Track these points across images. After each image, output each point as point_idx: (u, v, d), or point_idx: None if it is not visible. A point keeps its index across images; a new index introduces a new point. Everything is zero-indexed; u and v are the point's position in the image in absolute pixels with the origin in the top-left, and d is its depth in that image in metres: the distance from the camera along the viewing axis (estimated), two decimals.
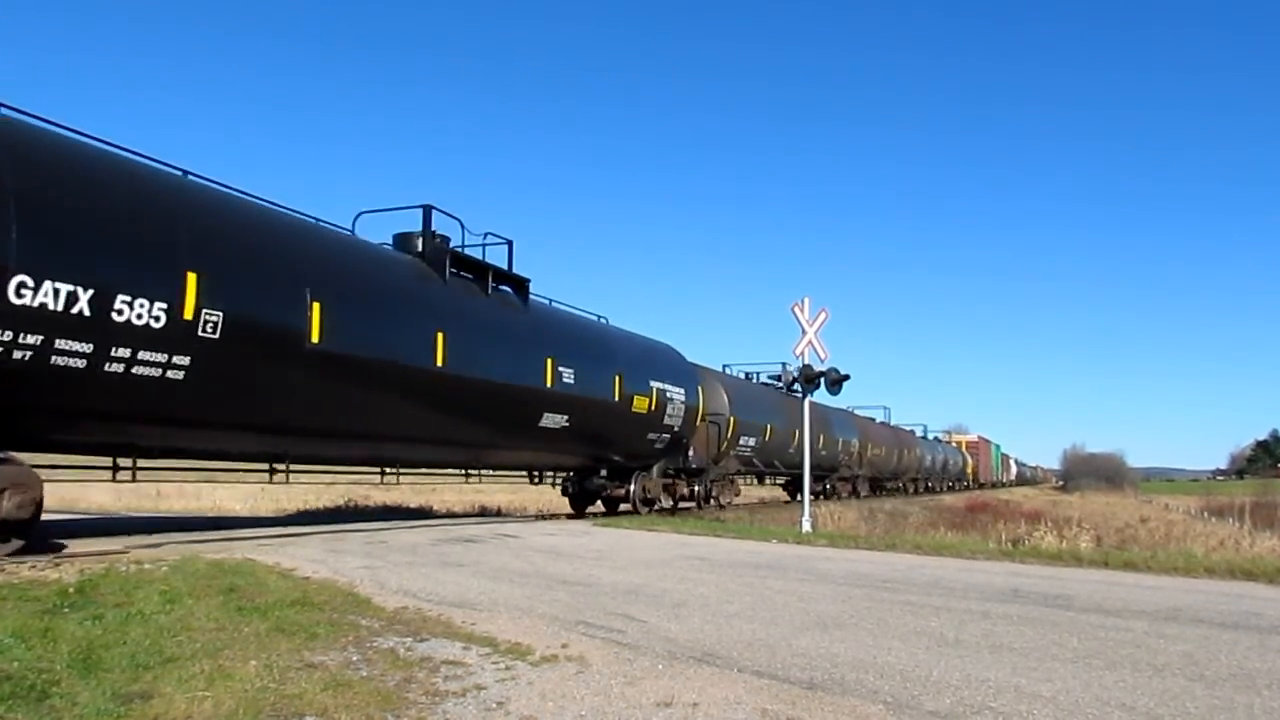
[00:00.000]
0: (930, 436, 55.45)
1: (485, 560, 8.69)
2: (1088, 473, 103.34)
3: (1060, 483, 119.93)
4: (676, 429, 18.11)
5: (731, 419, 21.40)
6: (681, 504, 19.52)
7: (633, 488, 17.46)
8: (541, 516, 18.11)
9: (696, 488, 19.96)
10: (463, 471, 14.92)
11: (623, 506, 17.97)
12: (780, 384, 27.69)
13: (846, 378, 16.62)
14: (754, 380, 27.47)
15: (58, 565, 7.14)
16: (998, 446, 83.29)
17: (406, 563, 8.23)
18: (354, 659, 4.61)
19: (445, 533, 11.67)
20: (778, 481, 30.08)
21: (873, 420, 40.15)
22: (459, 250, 13.17)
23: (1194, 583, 8.73)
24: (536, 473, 17.21)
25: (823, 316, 15.86)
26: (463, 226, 13.52)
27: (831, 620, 6.08)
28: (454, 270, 12.73)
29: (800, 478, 26.95)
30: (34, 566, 7.04)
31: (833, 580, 8.11)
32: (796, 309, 15.87)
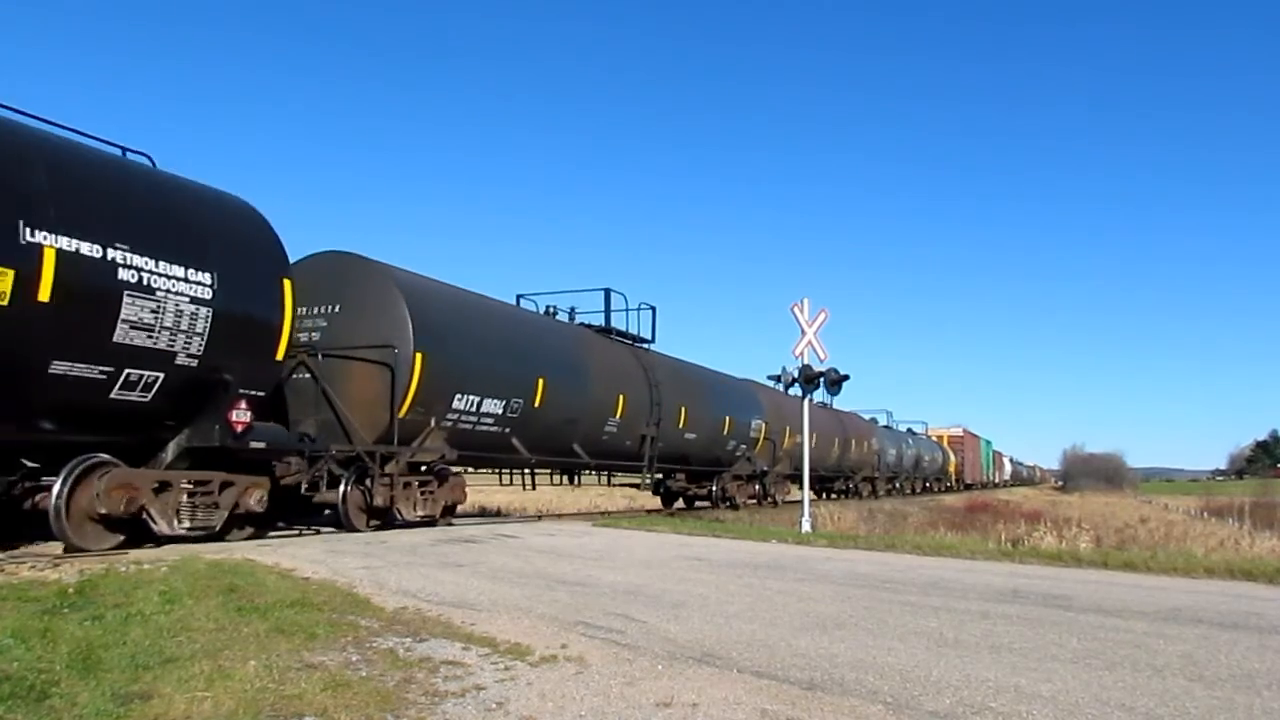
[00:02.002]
0: (901, 427, 47.03)
1: (485, 560, 8.69)
2: (1087, 473, 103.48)
3: (1060, 483, 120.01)
4: (186, 358, 8.70)
5: (417, 358, 11.67)
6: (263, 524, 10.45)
7: (58, 489, 8.02)
8: None
9: (346, 487, 11.15)
10: None
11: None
12: (630, 341, 18.68)
13: (846, 378, 16.64)
14: (552, 313, 16.85)
15: (57, 565, 7.15)
16: (988, 443, 75.45)
17: (406, 563, 8.23)
18: (353, 659, 4.61)
19: (444, 533, 11.66)
20: (620, 480, 19.92)
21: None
22: None
23: (1193, 583, 8.72)
24: None
25: (822, 317, 15.86)
26: None
27: (831, 620, 6.08)
28: None
29: (644, 468, 18.19)
30: (34, 567, 7.04)
31: (832, 580, 8.11)
32: (796, 309, 15.87)
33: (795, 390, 16.59)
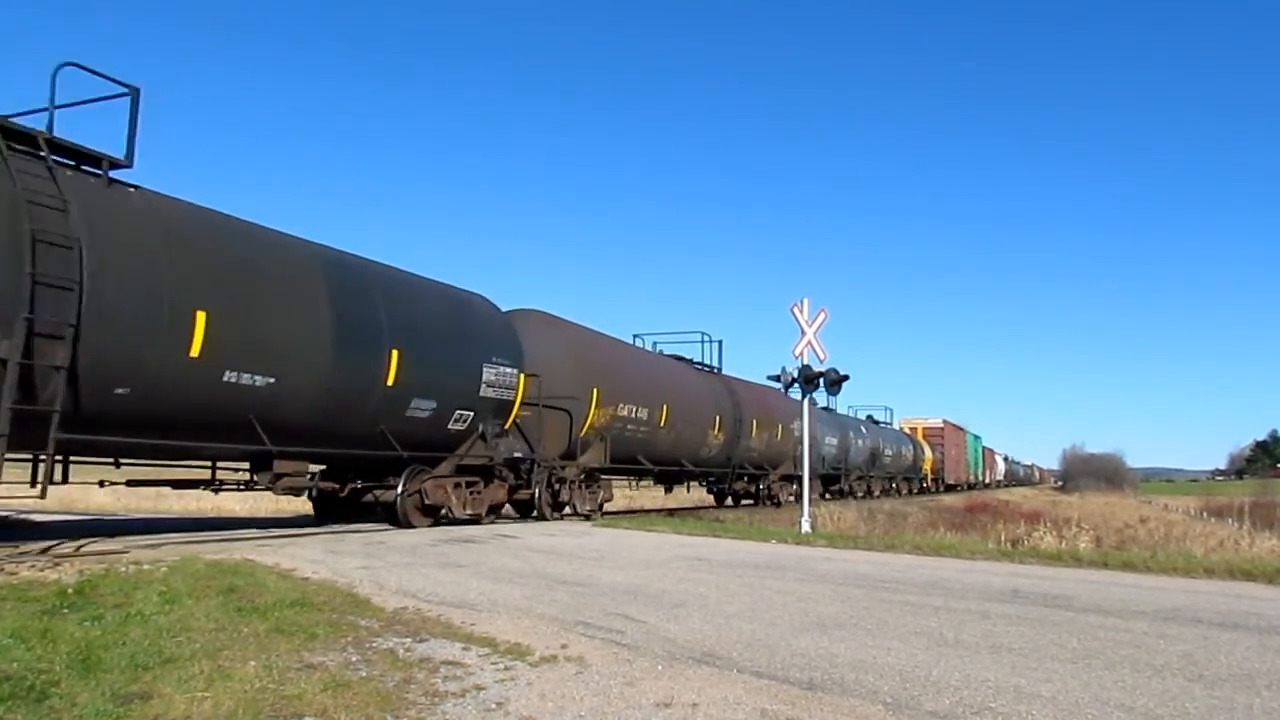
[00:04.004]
0: (861, 414, 39.03)
1: (485, 561, 8.70)
2: (1087, 473, 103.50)
3: (1059, 483, 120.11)
4: None
5: None
6: None
7: None
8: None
9: None
10: None
11: None
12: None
13: (845, 378, 16.61)
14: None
15: (57, 565, 7.15)
16: (976, 437, 66.43)
17: (406, 563, 8.24)
18: (353, 659, 4.61)
19: (444, 533, 11.67)
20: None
21: (690, 362, 21.95)
22: None
23: (1193, 583, 8.72)
24: None
25: (822, 317, 15.86)
26: None
27: (831, 620, 6.08)
28: None
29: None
30: (34, 567, 7.04)
31: (832, 580, 8.11)
32: (796, 309, 15.87)
33: (795, 391, 16.54)
